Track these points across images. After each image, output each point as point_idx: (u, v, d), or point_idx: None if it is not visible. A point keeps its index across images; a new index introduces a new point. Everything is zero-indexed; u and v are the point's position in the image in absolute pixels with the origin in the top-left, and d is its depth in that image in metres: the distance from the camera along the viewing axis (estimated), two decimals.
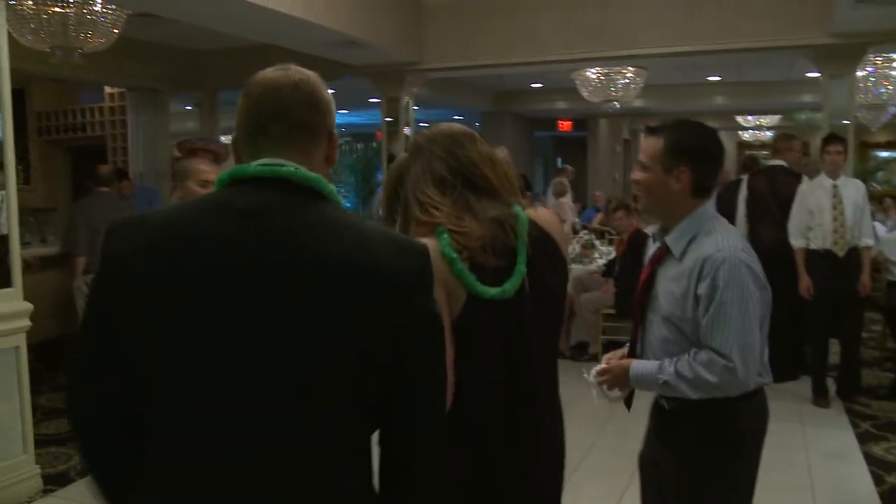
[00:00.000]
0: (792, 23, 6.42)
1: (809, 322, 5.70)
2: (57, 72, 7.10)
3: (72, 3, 4.97)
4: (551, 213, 2.11)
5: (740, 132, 17.63)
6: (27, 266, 6.43)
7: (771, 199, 6.13)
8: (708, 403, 2.15)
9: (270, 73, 1.33)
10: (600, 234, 9.40)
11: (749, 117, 15.56)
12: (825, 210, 5.44)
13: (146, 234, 1.23)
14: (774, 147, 6.54)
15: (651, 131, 2.30)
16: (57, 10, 4.97)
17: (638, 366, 2.25)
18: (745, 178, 6.53)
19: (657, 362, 2.20)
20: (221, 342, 1.18)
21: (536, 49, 7.35)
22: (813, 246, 5.51)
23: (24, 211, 8.86)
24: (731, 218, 6.22)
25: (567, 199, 10.55)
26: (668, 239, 2.25)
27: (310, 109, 1.31)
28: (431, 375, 1.32)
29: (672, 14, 6.83)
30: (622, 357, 2.37)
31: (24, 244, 7.50)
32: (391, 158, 8.59)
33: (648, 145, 2.27)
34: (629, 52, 7.20)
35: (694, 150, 2.24)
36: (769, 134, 15.83)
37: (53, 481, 4.27)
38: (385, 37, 6.96)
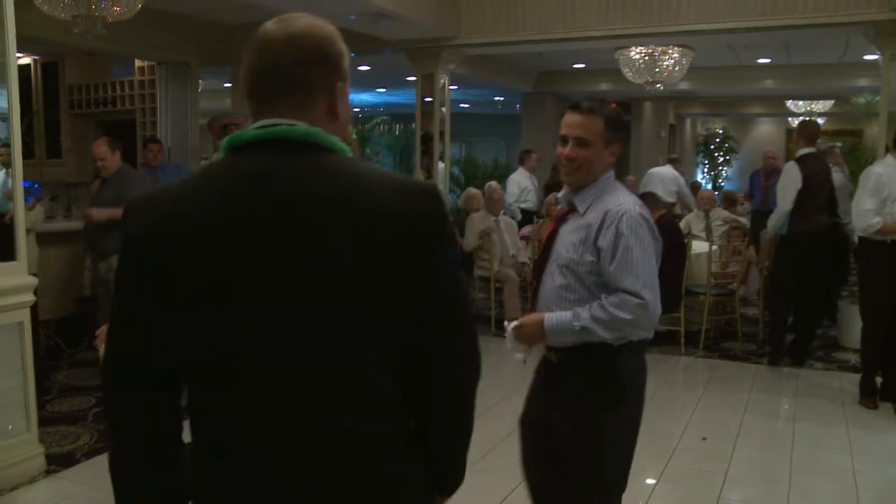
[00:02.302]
0: None
1: (869, 319, 5.31)
2: (84, 43, 6.97)
3: None
4: None
5: (790, 119, 16.99)
6: (48, 240, 6.35)
7: (805, 187, 6.03)
8: (590, 353, 2.34)
9: (269, 26, 1.29)
10: None
11: (800, 103, 14.95)
12: None
13: (162, 211, 1.25)
14: (806, 134, 6.28)
15: (587, 110, 2.39)
16: None
17: (552, 317, 2.36)
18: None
19: (571, 311, 2.33)
20: (245, 303, 1.21)
21: (576, 24, 7.06)
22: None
23: (54, 185, 8.86)
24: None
25: None
26: (576, 199, 2.45)
27: (305, 65, 1.27)
28: (454, 324, 1.34)
29: None
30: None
31: (48, 218, 7.47)
32: (426, 138, 8.31)
33: (590, 123, 2.39)
34: (673, 29, 6.86)
35: (624, 126, 2.50)
36: (821, 121, 15.21)
37: (58, 461, 4.13)
38: (417, 9, 6.70)
